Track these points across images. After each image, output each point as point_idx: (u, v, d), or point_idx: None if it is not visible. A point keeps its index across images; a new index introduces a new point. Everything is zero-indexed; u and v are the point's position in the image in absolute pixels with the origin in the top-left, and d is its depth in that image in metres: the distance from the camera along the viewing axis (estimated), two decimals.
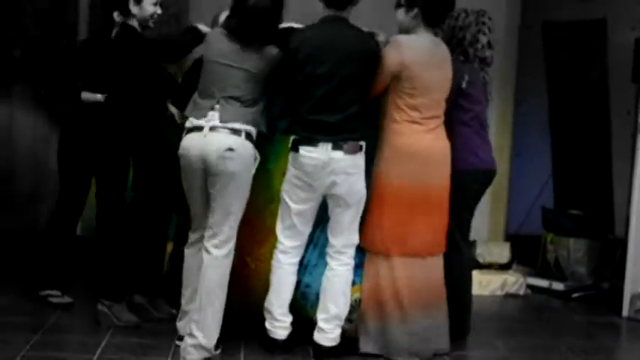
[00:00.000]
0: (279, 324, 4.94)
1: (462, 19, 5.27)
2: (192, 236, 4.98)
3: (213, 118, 4.73)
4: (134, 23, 5.29)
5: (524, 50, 7.47)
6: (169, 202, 5.41)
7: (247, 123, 4.74)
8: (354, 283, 4.99)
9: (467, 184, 5.12)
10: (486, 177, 5.36)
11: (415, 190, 4.87)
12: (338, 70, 4.70)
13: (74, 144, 5.54)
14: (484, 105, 5.36)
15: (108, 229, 5.47)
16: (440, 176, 4.97)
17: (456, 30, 5.26)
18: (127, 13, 5.27)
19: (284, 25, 4.87)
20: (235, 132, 4.70)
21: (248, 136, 4.74)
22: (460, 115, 5.15)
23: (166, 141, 5.19)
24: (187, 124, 4.81)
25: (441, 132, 4.97)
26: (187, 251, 5.00)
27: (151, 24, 5.33)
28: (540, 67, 7.55)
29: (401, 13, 4.94)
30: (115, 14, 5.36)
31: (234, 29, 4.77)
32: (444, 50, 5.00)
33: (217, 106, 4.74)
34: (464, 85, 5.15)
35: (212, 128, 4.72)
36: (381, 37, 4.98)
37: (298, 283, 5.05)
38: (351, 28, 4.79)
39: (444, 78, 4.96)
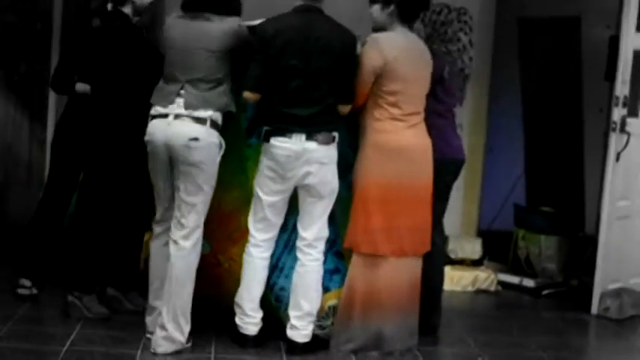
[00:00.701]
0: (250, 319, 4.91)
1: (444, 14, 5.28)
2: (157, 229, 4.95)
3: (179, 105, 4.70)
4: (127, 11, 5.26)
5: (499, 46, 7.48)
6: (144, 194, 5.36)
7: (214, 108, 4.71)
8: (328, 290, 4.98)
9: (442, 175, 5.10)
10: (457, 167, 5.37)
11: (400, 188, 4.85)
12: (312, 62, 4.67)
13: (67, 135, 5.48)
14: (457, 99, 5.37)
15: (87, 221, 5.41)
16: (423, 173, 4.96)
17: (437, 24, 5.27)
18: (122, 0, 5.24)
19: (252, 22, 4.86)
20: (200, 120, 4.67)
21: (213, 123, 4.71)
22: (436, 106, 5.14)
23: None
24: (152, 112, 4.79)
25: (422, 128, 4.97)
26: (153, 244, 4.98)
27: (144, 11, 5.33)
28: (514, 63, 7.57)
29: (376, 10, 4.93)
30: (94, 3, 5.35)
31: (187, 1, 4.77)
32: (421, 46, 5.00)
33: (182, 92, 4.72)
34: (445, 74, 5.16)
35: (176, 116, 4.69)
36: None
37: (272, 285, 5.03)
38: (325, 20, 4.76)
39: (424, 74, 4.96)
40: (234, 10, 4.85)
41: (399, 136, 4.86)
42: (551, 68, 7.52)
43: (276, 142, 4.71)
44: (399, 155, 4.85)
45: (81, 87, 5.39)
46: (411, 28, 4.97)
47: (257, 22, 4.88)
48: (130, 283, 5.51)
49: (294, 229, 4.96)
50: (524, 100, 7.52)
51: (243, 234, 4.96)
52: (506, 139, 7.57)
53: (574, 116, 7.29)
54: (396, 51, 4.80)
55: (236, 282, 4.95)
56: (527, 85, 7.56)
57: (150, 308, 4.96)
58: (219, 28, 4.74)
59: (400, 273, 4.96)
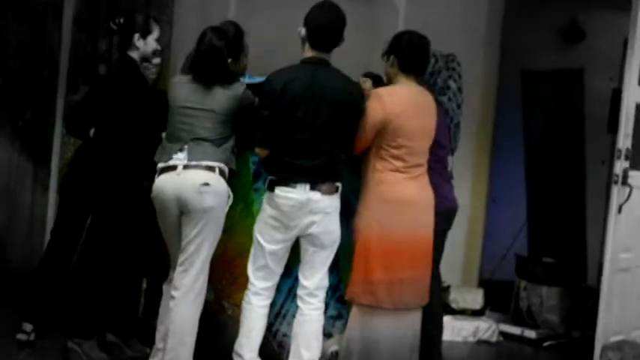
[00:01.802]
0: None
1: (432, 64, 5.27)
2: (172, 274, 4.95)
3: (184, 158, 4.74)
4: (135, 55, 5.32)
5: (502, 98, 7.53)
6: (144, 242, 5.36)
7: (218, 161, 4.75)
8: (330, 335, 4.97)
9: (435, 225, 5.07)
10: (450, 216, 5.35)
11: (401, 240, 4.83)
12: (318, 114, 4.68)
13: (76, 180, 5.47)
14: (447, 149, 5.36)
15: (92, 267, 5.40)
16: (425, 224, 4.94)
17: (426, 76, 5.27)
18: (127, 46, 5.30)
19: (252, 80, 4.93)
20: (209, 168, 4.71)
21: (221, 172, 4.74)
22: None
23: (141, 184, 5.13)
24: (158, 166, 4.81)
25: (425, 180, 4.96)
26: (165, 287, 4.98)
27: (153, 60, 5.40)
28: (518, 114, 7.61)
29: (384, 62, 4.97)
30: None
31: (197, 71, 4.83)
32: (427, 98, 4.99)
33: (186, 147, 4.76)
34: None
35: (185, 166, 4.72)
36: (367, 85, 5.01)
37: (275, 332, 5.03)
38: (332, 72, 4.78)
39: (428, 126, 4.96)
40: (237, 78, 4.93)
41: (400, 188, 4.86)
42: (554, 120, 7.56)
43: (281, 191, 4.71)
44: (400, 207, 4.85)
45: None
46: (417, 79, 4.97)
47: (257, 79, 4.94)
48: (131, 330, 5.49)
49: (297, 278, 4.96)
50: (527, 151, 7.55)
51: (246, 281, 4.92)
52: (509, 190, 7.59)
53: (576, 168, 7.32)
54: (400, 106, 4.80)
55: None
56: (530, 136, 7.60)
57: (155, 349, 4.96)
58: (224, 93, 4.80)
59: (400, 325, 4.93)
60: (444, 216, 5.23)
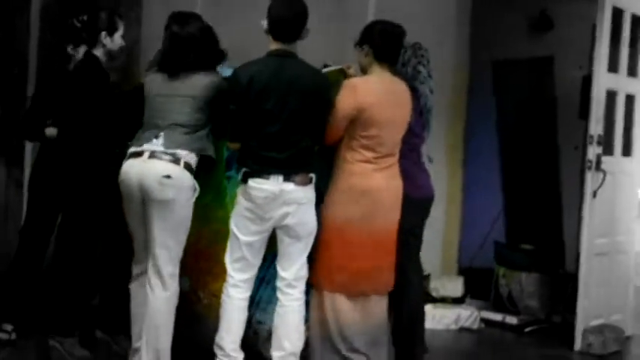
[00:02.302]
0: None
1: (401, 54, 5.28)
2: (135, 270, 4.92)
3: (157, 144, 4.71)
4: (99, 53, 5.29)
5: (474, 86, 7.56)
6: (118, 237, 5.32)
7: (192, 150, 4.72)
8: (306, 320, 4.96)
9: (412, 214, 5.08)
10: (427, 204, 5.35)
11: (364, 230, 4.85)
12: (286, 106, 4.66)
13: (42, 179, 5.43)
14: (421, 137, 5.35)
15: (65, 264, 5.38)
16: (390, 215, 4.95)
17: (398, 66, 5.27)
18: (94, 43, 5.27)
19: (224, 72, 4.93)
20: (174, 161, 4.68)
21: (187, 165, 4.71)
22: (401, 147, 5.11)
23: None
24: (128, 151, 4.79)
25: (395, 170, 4.96)
26: (132, 286, 4.94)
27: (118, 55, 5.37)
28: (490, 102, 7.64)
29: (357, 52, 4.97)
30: (69, 48, 5.37)
31: (163, 62, 4.83)
32: (401, 88, 4.99)
33: (162, 134, 4.73)
34: (409, 118, 5.17)
35: (151, 155, 4.70)
36: (351, 71, 5.01)
37: (250, 319, 4.99)
38: (298, 63, 4.76)
39: (403, 116, 4.96)
40: (213, 65, 4.90)
41: (368, 179, 4.85)
42: (526, 108, 7.59)
43: (254, 183, 4.69)
44: (364, 197, 4.84)
45: (51, 132, 5.36)
46: (391, 68, 4.97)
47: (227, 71, 4.93)
48: (118, 326, 5.45)
49: (271, 264, 4.96)
50: (501, 140, 7.58)
51: (224, 269, 4.90)
52: (485, 178, 7.61)
53: (550, 154, 7.35)
54: (372, 97, 4.80)
55: (217, 318, 4.87)
56: (503, 124, 7.62)
57: (133, 350, 4.90)
58: (197, 79, 4.78)
59: (360, 310, 4.95)
60: (421, 204, 5.24)
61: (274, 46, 4.75)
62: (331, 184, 4.92)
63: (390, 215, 4.95)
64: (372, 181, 4.86)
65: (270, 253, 4.91)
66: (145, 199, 4.71)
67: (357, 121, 4.79)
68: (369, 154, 4.84)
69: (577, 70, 7.20)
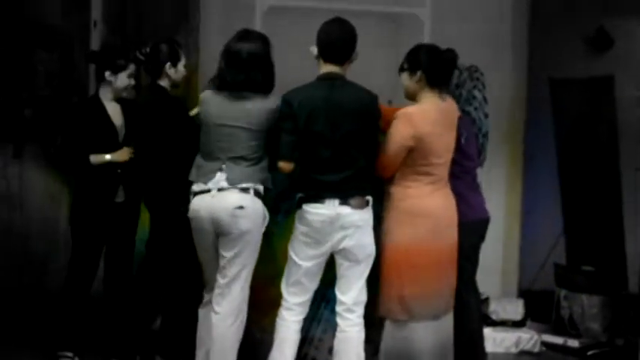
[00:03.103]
0: None
1: (456, 76, 5.25)
2: (207, 296, 4.98)
3: (221, 179, 4.72)
4: (164, 84, 5.40)
5: (533, 106, 7.49)
6: (186, 262, 5.35)
7: (255, 182, 4.73)
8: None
9: (467, 236, 5.07)
10: (481, 227, 5.33)
11: (429, 252, 4.84)
12: (338, 128, 4.69)
13: (87, 206, 5.53)
14: (476, 161, 5.34)
15: (116, 289, 5.48)
16: (450, 234, 4.95)
17: (451, 87, 5.24)
18: (158, 74, 5.38)
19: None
20: (244, 190, 4.70)
21: (257, 193, 4.73)
22: (454, 168, 5.07)
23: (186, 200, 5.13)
24: (194, 188, 4.81)
25: (448, 192, 4.97)
26: (202, 311, 4.99)
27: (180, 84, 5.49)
28: (548, 124, 7.55)
29: (405, 77, 4.95)
30: (107, 73, 5.47)
31: (225, 81, 4.81)
32: (452, 110, 4.98)
33: (224, 167, 4.74)
34: (463, 140, 5.14)
35: (220, 189, 4.71)
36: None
37: (304, 356, 5.08)
38: (347, 85, 4.78)
39: (453, 139, 4.97)
40: (271, 88, 4.90)
41: (426, 201, 4.86)
42: (585, 128, 7.49)
43: (310, 208, 4.72)
44: (426, 220, 4.84)
45: (97, 158, 5.44)
46: (441, 92, 4.94)
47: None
48: (178, 352, 5.49)
49: (322, 301, 5.07)
50: (560, 159, 7.48)
51: (274, 305, 4.95)
52: (544, 199, 7.52)
53: (611, 175, 7.23)
54: (429, 126, 4.79)
55: (267, 354, 4.92)
56: (562, 145, 7.53)
57: None
58: (258, 107, 4.78)
59: (433, 335, 4.94)
60: (476, 227, 5.22)
61: (324, 69, 4.78)
62: (386, 210, 4.90)
63: (450, 234, 4.95)
64: (431, 202, 4.87)
65: (321, 290, 4.96)
66: (217, 233, 4.74)
67: (414, 151, 4.78)
68: (425, 179, 4.84)
69: (638, 89, 7.09)
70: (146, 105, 5.41)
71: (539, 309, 6.98)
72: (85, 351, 5.67)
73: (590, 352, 6.59)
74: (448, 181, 4.98)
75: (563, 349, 6.67)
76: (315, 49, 4.78)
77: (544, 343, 6.68)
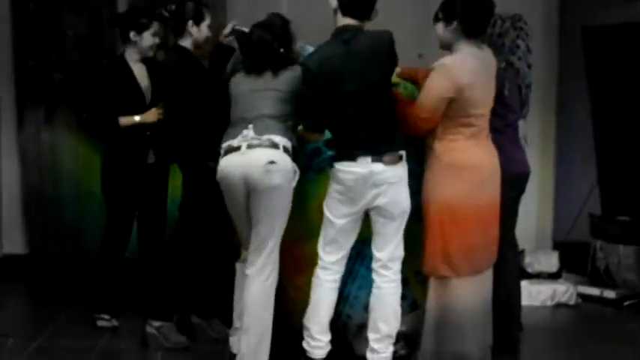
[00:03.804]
0: (317, 343, 4.85)
1: (498, 25, 5.17)
2: (244, 253, 4.98)
3: (249, 134, 4.73)
4: (187, 43, 5.36)
5: (564, 55, 7.39)
6: (218, 223, 5.36)
7: (283, 136, 4.74)
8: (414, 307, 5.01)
9: (507, 189, 5.00)
10: (523, 180, 5.28)
11: (473, 207, 4.77)
12: (363, 83, 4.61)
13: (119, 169, 5.56)
14: (519, 113, 5.27)
15: (150, 251, 5.53)
16: (493, 188, 4.89)
17: (494, 37, 5.16)
18: (180, 33, 5.36)
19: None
20: (274, 145, 4.70)
21: (285, 149, 4.73)
22: (495, 122, 4.98)
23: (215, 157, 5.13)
24: (223, 146, 4.82)
25: (490, 144, 4.90)
26: (239, 266, 5.01)
27: (204, 45, 5.43)
28: (581, 71, 7.47)
29: (440, 28, 4.85)
30: (132, 34, 5.49)
31: (249, 67, 4.89)
32: (490, 60, 4.89)
33: (251, 125, 4.76)
34: (506, 92, 5.08)
35: (249, 145, 4.71)
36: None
37: (340, 314, 5.05)
38: (361, 34, 4.66)
39: (492, 90, 4.88)
40: (290, 62, 4.93)
41: (469, 155, 4.78)
42: (619, 75, 7.39)
43: (342, 166, 4.68)
44: (471, 174, 4.77)
45: (126, 120, 5.47)
46: (478, 42, 4.85)
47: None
48: (213, 311, 5.53)
49: (358, 258, 5.00)
50: (594, 109, 7.40)
51: (308, 264, 4.95)
52: (577, 149, 7.46)
53: None
54: (467, 77, 4.69)
55: (302, 312, 4.93)
56: (595, 93, 7.44)
57: (234, 328, 5.00)
58: (285, 75, 4.84)
59: (476, 290, 4.90)
60: (516, 180, 5.16)
61: (342, 22, 4.67)
62: (429, 163, 4.85)
63: (493, 188, 4.89)
64: (474, 156, 4.80)
65: (357, 247, 4.92)
66: (249, 190, 4.75)
67: (454, 103, 4.70)
68: (467, 131, 4.77)
69: None
70: (167, 66, 5.41)
71: (575, 260, 6.95)
72: (122, 313, 5.75)
73: (626, 303, 6.58)
74: (489, 133, 4.92)
75: (599, 300, 6.65)
76: (334, 2, 4.70)
77: (580, 295, 6.67)
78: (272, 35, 4.87)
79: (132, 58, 5.57)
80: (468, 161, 4.77)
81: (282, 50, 4.89)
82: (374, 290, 4.85)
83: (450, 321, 4.84)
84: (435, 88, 4.68)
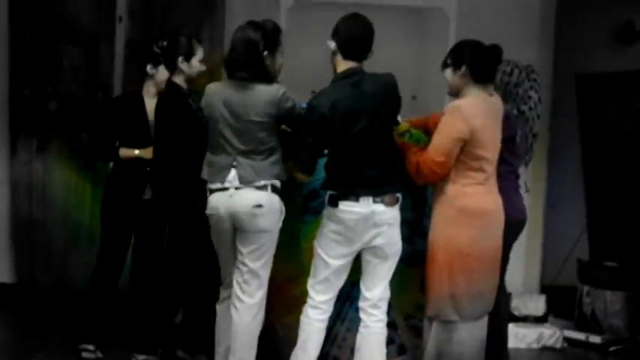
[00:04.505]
0: None
1: (515, 74, 5.24)
2: (224, 293, 5.00)
3: (235, 179, 4.73)
4: (179, 80, 5.32)
5: (557, 102, 7.45)
6: (204, 258, 5.37)
7: (270, 178, 4.74)
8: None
9: (507, 235, 5.05)
10: (521, 227, 5.32)
11: (482, 252, 4.82)
12: (375, 122, 4.67)
13: (116, 201, 5.57)
14: (522, 161, 5.34)
15: (142, 284, 5.52)
16: (498, 235, 4.93)
17: (510, 85, 5.23)
18: (172, 69, 5.32)
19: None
20: (261, 187, 4.70)
21: (274, 189, 4.74)
22: (501, 168, 5.03)
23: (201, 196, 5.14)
24: (211, 186, 4.82)
25: (496, 190, 4.94)
26: (219, 307, 5.01)
27: (198, 79, 5.39)
28: (573, 118, 7.52)
29: (449, 73, 4.90)
30: (149, 67, 5.46)
31: (231, 66, 4.80)
32: (498, 105, 4.94)
33: (235, 164, 4.74)
34: (517, 138, 5.13)
35: (237, 188, 4.72)
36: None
37: (326, 355, 5.07)
38: (369, 76, 4.74)
39: (499, 134, 4.92)
40: (269, 76, 4.86)
41: (481, 201, 4.82)
42: (611, 122, 7.44)
43: (344, 206, 4.69)
44: (482, 220, 4.81)
45: (126, 152, 5.49)
46: (487, 87, 4.91)
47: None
48: (199, 345, 5.52)
49: (347, 300, 5.03)
50: (585, 155, 7.45)
51: (298, 303, 4.95)
52: (568, 195, 7.51)
53: (635, 170, 7.19)
54: (480, 119, 4.74)
55: (290, 350, 4.92)
56: (586, 139, 7.49)
57: None
58: (262, 98, 4.73)
59: (476, 334, 4.93)
60: (516, 227, 5.20)
61: (343, 66, 4.73)
62: (439, 206, 4.86)
63: (499, 234, 4.93)
64: (485, 202, 4.84)
65: (346, 288, 4.94)
66: (236, 230, 4.75)
67: (466, 146, 4.74)
68: (479, 176, 4.80)
69: None
70: (159, 104, 5.37)
71: (562, 305, 6.97)
72: (107, 344, 5.72)
73: (612, 348, 6.58)
74: (498, 181, 4.96)
75: (585, 345, 6.66)
76: (332, 44, 4.74)
77: (566, 339, 6.68)
78: (260, 34, 4.78)
79: (148, 92, 5.60)
80: (480, 207, 4.81)
81: (265, 53, 4.79)
82: (361, 330, 4.85)
83: None
84: (450, 129, 4.72)
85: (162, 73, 5.49)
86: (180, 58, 5.27)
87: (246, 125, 4.72)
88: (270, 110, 4.73)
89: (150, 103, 5.55)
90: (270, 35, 4.81)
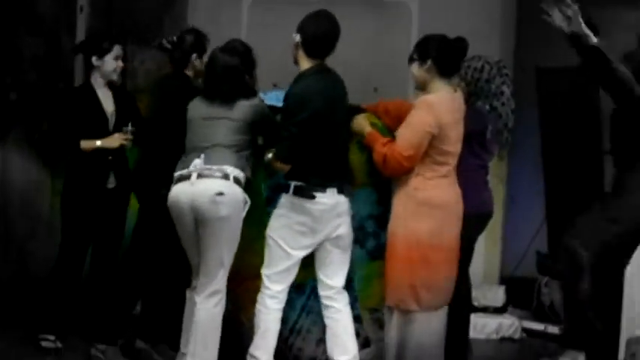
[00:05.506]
0: None
1: (487, 70, 5.27)
2: (194, 281, 5.01)
3: (200, 164, 4.75)
4: (190, 74, 5.43)
5: (518, 95, 7.49)
6: (171, 249, 5.36)
7: (234, 166, 4.76)
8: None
9: (473, 227, 5.13)
10: (487, 220, 5.41)
11: (442, 243, 4.88)
12: (338, 117, 4.76)
13: (79, 191, 5.55)
14: (493, 156, 5.39)
15: (102, 274, 5.50)
16: (457, 227, 4.99)
17: (481, 81, 5.27)
18: (185, 64, 5.43)
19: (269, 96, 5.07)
20: (224, 176, 4.72)
21: (236, 180, 4.76)
22: (472, 161, 5.14)
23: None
24: (175, 175, 4.84)
25: (456, 180, 4.99)
26: (189, 294, 5.03)
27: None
28: (533, 111, 7.58)
29: (415, 67, 4.95)
30: (94, 58, 5.50)
31: (210, 90, 4.91)
32: (460, 100, 5.00)
33: (202, 155, 4.79)
34: (488, 134, 5.17)
35: (200, 175, 4.72)
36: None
37: (291, 346, 5.13)
38: (334, 74, 4.88)
39: (462, 130, 4.98)
40: (253, 92, 5.01)
41: (443, 193, 4.89)
42: (570, 116, 7.52)
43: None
44: (442, 212, 4.88)
45: (87, 144, 5.46)
46: (450, 81, 4.97)
47: (269, 95, 5.05)
48: (159, 336, 5.51)
49: (312, 293, 5.07)
50: (544, 148, 7.52)
51: None
52: (527, 187, 7.58)
53: (593, 163, 7.27)
54: (448, 115, 4.82)
55: None
56: (546, 132, 7.56)
57: (180, 354, 5.02)
58: (240, 104, 4.88)
59: (435, 324, 4.98)
60: (483, 220, 5.29)
61: (307, 63, 4.79)
62: (400, 198, 4.90)
63: (458, 226, 5.00)
64: (447, 194, 4.90)
65: (309, 282, 5.04)
66: (197, 219, 4.76)
67: (433, 140, 4.79)
68: (442, 170, 4.86)
69: None
70: (175, 91, 5.37)
71: (521, 296, 7.05)
72: (67, 334, 5.69)
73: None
74: (459, 175, 5.01)
75: (543, 335, 6.75)
76: (297, 37, 4.78)
77: (525, 330, 6.77)
78: (237, 59, 4.91)
79: (97, 83, 5.58)
80: (441, 199, 4.87)
81: (246, 77, 4.92)
82: (332, 315, 4.93)
83: (410, 352, 4.91)
84: (420, 123, 4.77)
85: (108, 63, 5.52)
86: (194, 55, 5.38)
87: (219, 124, 4.87)
88: (247, 114, 4.87)
89: (102, 94, 5.57)
90: (244, 58, 5.00)
